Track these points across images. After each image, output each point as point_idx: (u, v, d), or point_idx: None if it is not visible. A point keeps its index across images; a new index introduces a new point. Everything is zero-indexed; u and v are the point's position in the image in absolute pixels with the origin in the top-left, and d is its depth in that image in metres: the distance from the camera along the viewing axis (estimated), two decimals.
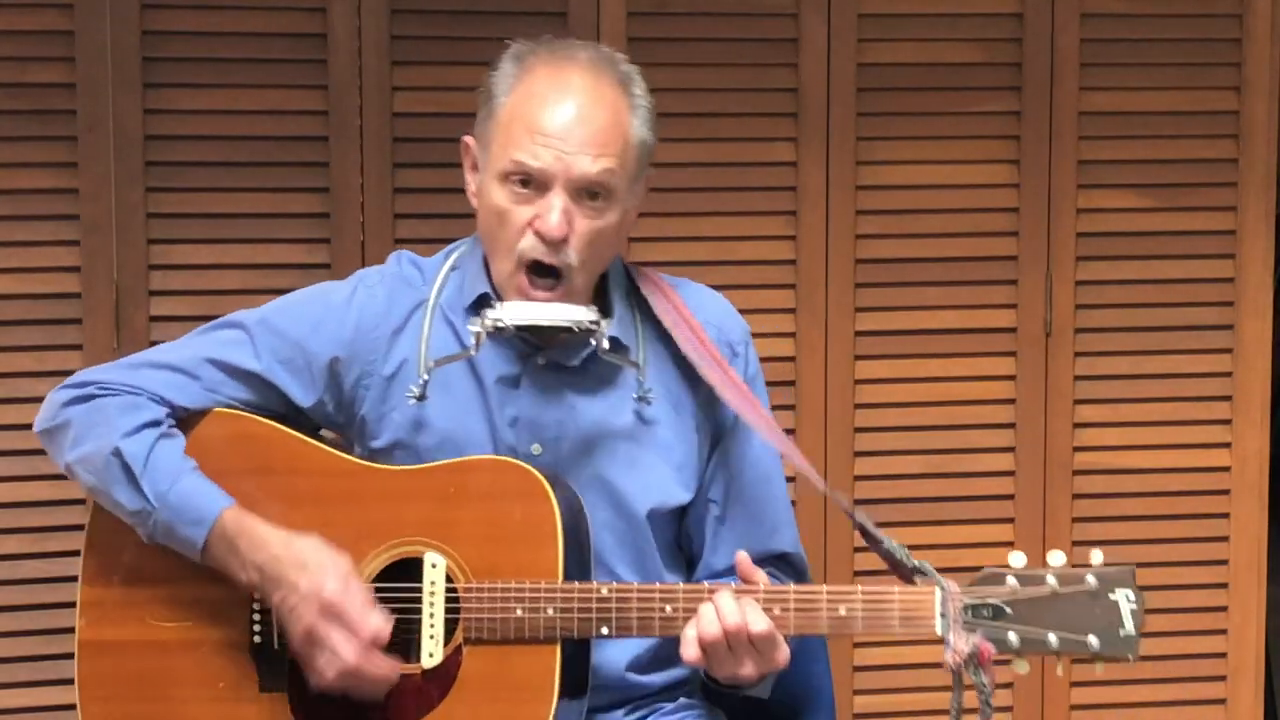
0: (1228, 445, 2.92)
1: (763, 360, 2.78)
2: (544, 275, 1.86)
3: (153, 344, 2.61)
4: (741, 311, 2.75)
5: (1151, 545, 2.91)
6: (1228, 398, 2.92)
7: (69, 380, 1.95)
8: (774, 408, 2.73)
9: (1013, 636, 1.75)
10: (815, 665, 2.12)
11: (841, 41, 2.79)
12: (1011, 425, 2.88)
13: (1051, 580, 1.75)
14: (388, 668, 1.81)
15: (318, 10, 2.68)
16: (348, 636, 1.79)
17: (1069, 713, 2.91)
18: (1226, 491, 2.92)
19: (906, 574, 1.82)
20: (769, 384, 2.75)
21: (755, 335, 2.76)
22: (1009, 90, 2.84)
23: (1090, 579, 1.75)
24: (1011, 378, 2.88)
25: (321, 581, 1.80)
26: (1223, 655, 2.94)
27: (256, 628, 1.88)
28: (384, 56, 2.69)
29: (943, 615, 1.76)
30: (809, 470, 1.93)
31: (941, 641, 1.75)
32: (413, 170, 2.72)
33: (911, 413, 2.86)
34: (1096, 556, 1.78)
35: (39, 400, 2.60)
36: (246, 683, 1.88)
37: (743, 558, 1.81)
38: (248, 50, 2.67)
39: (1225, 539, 2.93)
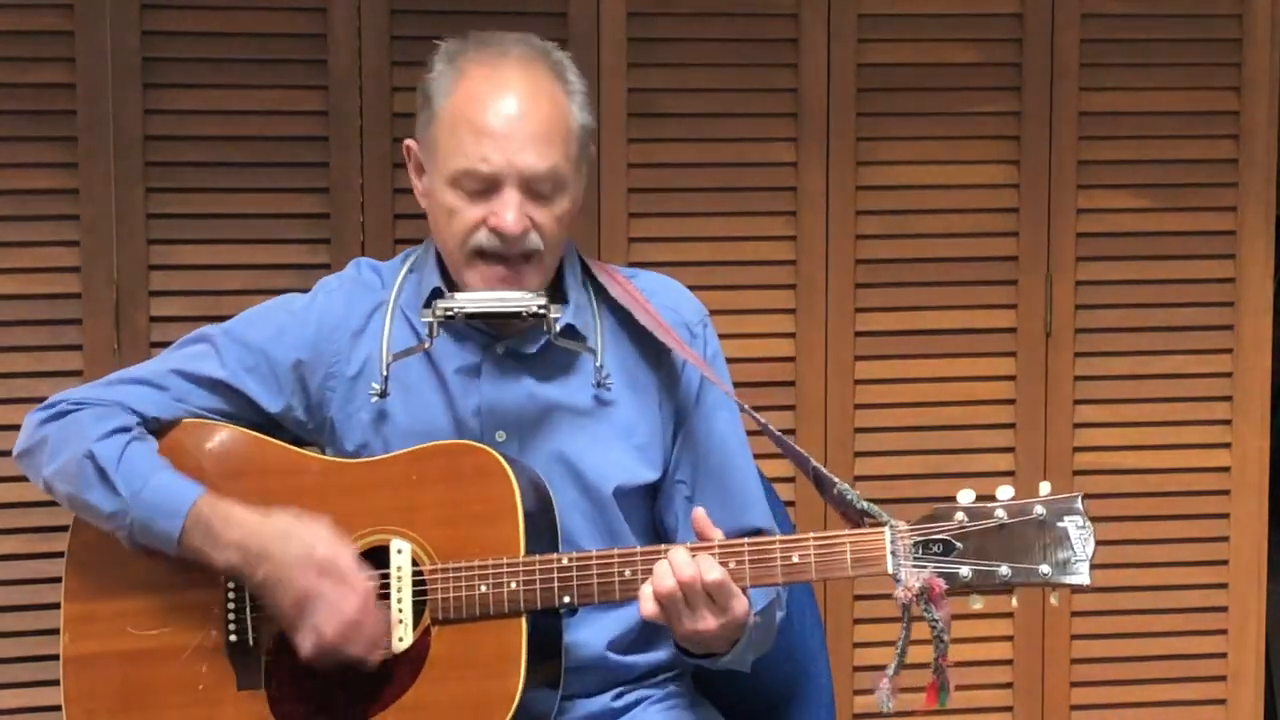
0: (1228, 445, 2.92)
1: (763, 360, 2.81)
2: (506, 263, 1.89)
3: (153, 345, 2.63)
4: (741, 312, 2.78)
5: (1151, 545, 2.91)
6: (1228, 398, 2.91)
7: (42, 404, 2.00)
8: (774, 408, 2.76)
9: (964, 570, 1.76)
10: (815, 664, 2.13)
11: (841, 41, 2.79)
12: (1011, 425, 2.88)
13: (1000, 513, 1.77)
14: (384, 623, 1.84)
15: (318, 10, 2.68)
16: (345, 591, 1.82)
17: (1069, 713, 2.91)
18: (1226, 492, 2.92)
19: (856, 516, 1.84)
20: (770, 384, 2.80)
21: (755, 335, 2.79)
22: (1009, 90, 2.84)
23: (1038, 509, 1.77)
24: (1011, 378, 2.87)
25: (311, 544, 1.84)
26: (1223, 655, 2.94)
27: (232, 627, 1.91)
28: (384, 56, 2.69)
29: (893, 554, 1.78)
30: (766, 425, 1.94)
31: (893, 579, 1.77)
32: None
33: (911, 413, 2.86)
34: (1044, 488, 1.80)
35: (39, 401, 2.61)
36: (225, 683, 1.90)
37: (699, 514, 1.82)
38: (248, 50, 2.68)
39: (1225, 539, 2.93)
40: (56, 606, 2.62)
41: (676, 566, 1.76)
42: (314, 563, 1.83)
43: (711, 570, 1.76)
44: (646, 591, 1.78)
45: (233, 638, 1.90)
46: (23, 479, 2.62)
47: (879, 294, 2.84)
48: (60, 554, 2.62)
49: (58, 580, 2.62)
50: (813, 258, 2.81)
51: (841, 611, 2.84)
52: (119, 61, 2.63)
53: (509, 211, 1.86)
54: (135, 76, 2.64)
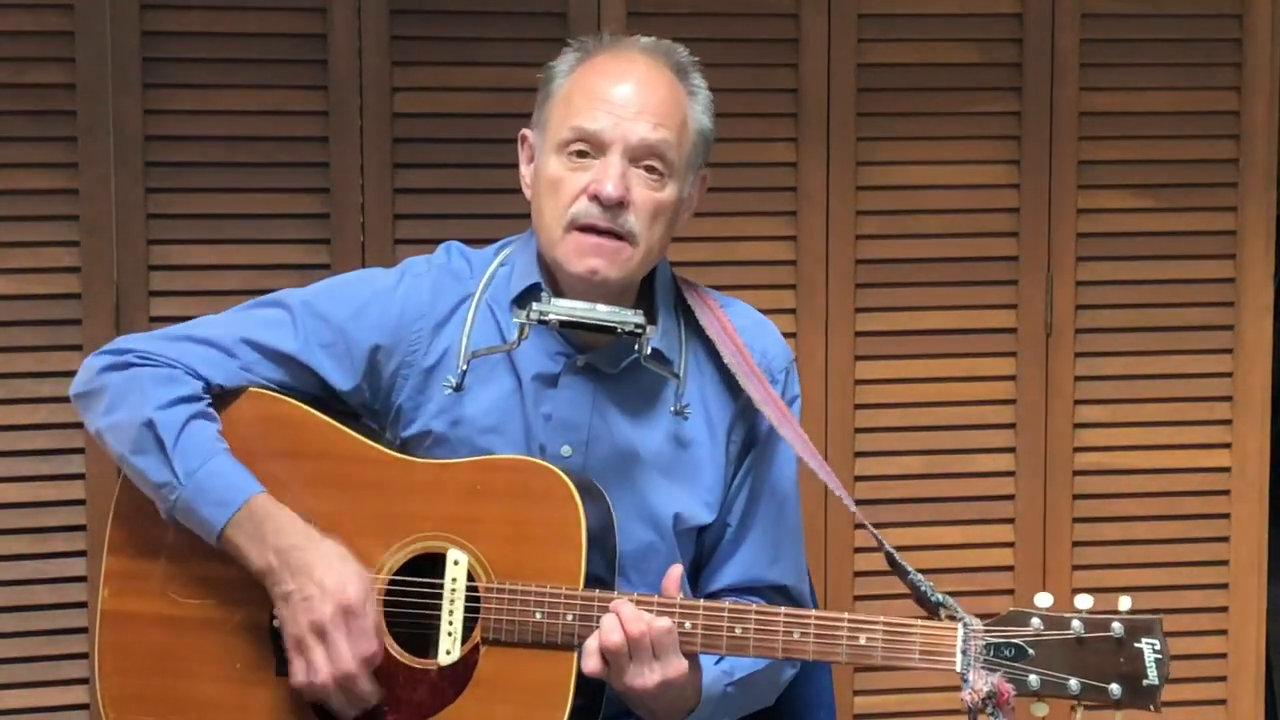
0: (1228, 445, 2.92)
1: None
2: (600, 235, 1.86)
3: None
4: None
5: (1151, 545, 2.91)
6: (1228, 398, 2.91)
7: (107, 346, 1.95)
8: None
9: (1033, 679, 1.73)
10: (816, 666, 2.12)
11: (841, 41, 2.79)
12: (1012, 425, 2.88)
13: (1077, 625, 1.73)
14: (374, 691, 1.81)
15: (318, 10, 2.67)
16: (354, 643, 1.79)
17: (1069, 713, 2.90)
18: (1227, 492, 2.92)
19: (931, 607, 1.80)
20: None
21: None
22: (1009, 90, 2.84)
23: (1116, 626, 1.72)
24: (1011, 378, 2.87)
25: (344, 584, 1.80)
26: (1223, 655, 2.94)
27: (275, 611, 1.88)
28: (384, 56, 2.69)
29: (964, 653, 1.74)
30: (841, 492, 1.92)
31: (960, 679, 1.74)
32: (413, 170, 2.72)
33: (911, 413, 2.86)
34: (1124, 603, 1.75)
35: (39, 401, 2.62)
36: (263, 665, 1.88)
37: (672, 574, 1.81)
38: (248, 50, 2.67)
39: (1225, 539, 2.93)
40: (58, 607, 2.64)
41: (626, 620, 1.75)
42: (343, 600, 1.79)
43: (659, 619, 1.76)
44: (591, 646, 1.77)
45: (276, 622, 1.87)
46: (23, 479, 2.65)
47: (879, 294, 2.84)
48: (60, 554, 2.65)
49: (58, 581, 2.65)
50: (813, 258, 2.81)
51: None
52: (119, 61, 2.63)
53: (609, 178, 1.84)
54: (135, 76, 2.63)
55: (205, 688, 1.89)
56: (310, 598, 1.80)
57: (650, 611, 1.77)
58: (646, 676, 1.76)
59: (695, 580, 2.02)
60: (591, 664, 1.77)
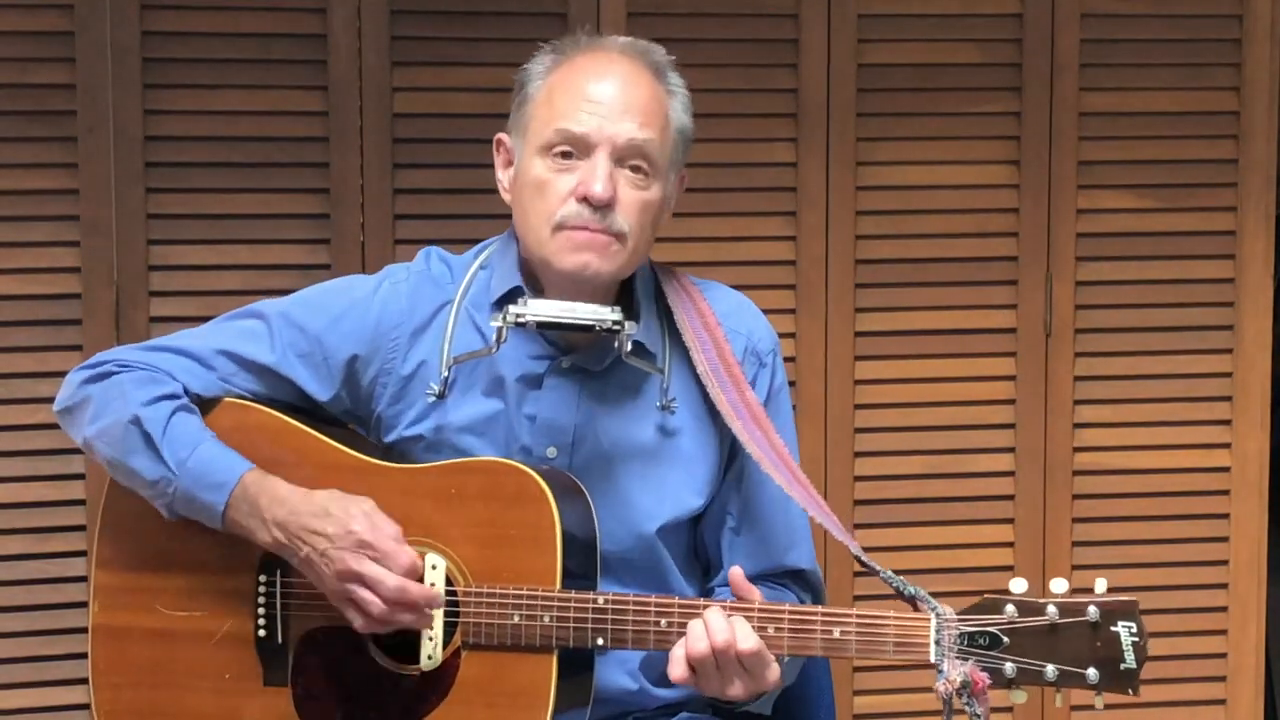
0: (1228, 445, 2.92)
1: None
2: (589, 232, 1.85)
3: None
4: None
5: (1151, 545, 2.91)
6: (1228, 398, 2.92)
7: (86, 361, 1.96)
8: None
9: (1009, 666, 1.72)
10: (815, 665, 2.12)
11: (841, 41, 2.79)
12: (1011, 425, 2.88)
13: (1052, 610, 1.70)
14: (431, 592, 1.81)
15: (318, 10, 2.68)
16: (384, 569, 1.79)
17: (1069, 713, 2.91)
18: (1226, 492, 2.92)
19: (906, 599, 1.79)
20: None
21: None
22: (1009, 90, 2.84)
23: (1091, 610, 1.70)
24: (1011, 378, 2.88)
25: (348, 523, 1.80)
26: (1223, 655, 2.94)
27: (261, 622, 1.89)
28: (384, 56, 2.69)
29: (937, 643, 1.73)
30: (810, 499, 1.90)
31: (935, 669, 1.73)
32: (413, 171, 2.72)
33: (911, 413, 2.86)
34: (1100, 585, 1.73)
35: (39, 401, 2.62)
36: (252, 675, 1.89)
37: (736, 573, 1.79)
38: (248, 51, 2.67)
39: (1225, 539, 2.93)
40: (58, 607, 2.64)
41: (712, 631, 1.74)
42: (353, 541, 1.79)
43: (747, 640, 1.74)
44: (678, 654, 1.76)
45: (261, 632, 1.89)
46: (23, 479, 2.65)
47: (879, 294, 2.84)
48: (61, 554, 2.65)
49: (59, 581, 2.65)
50: (813, 258, 2.81)
51: None
52: (119, 61, 2.63)
53: (597, 179, 1.83)
54: (135, 76, 2.64)
55: (196, 699, 1.90)
56: (325, 552, 1.80)
57: (607, 609, 1.78)
58: (738, 686, 1.75)
59: (697, 571, 2.01)
60: (678, 672, 1.76)
